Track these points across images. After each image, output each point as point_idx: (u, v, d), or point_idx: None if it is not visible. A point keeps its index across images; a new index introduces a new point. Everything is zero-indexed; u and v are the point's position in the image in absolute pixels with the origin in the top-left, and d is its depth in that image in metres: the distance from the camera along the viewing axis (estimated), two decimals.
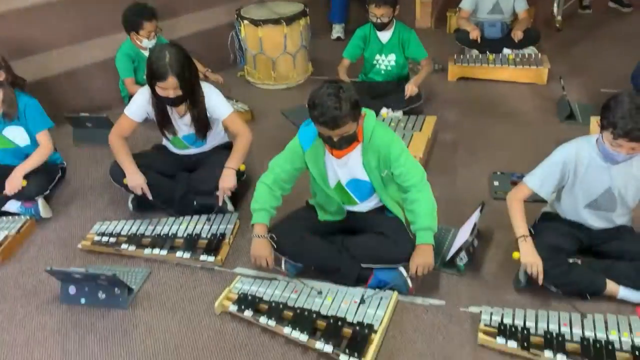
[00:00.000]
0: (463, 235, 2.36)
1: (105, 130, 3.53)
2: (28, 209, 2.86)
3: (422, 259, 2.12)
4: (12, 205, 2.87)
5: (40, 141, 2.89)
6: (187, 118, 2.73)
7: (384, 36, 3.60)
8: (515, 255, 2.12)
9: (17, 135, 2.90)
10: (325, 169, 2.27)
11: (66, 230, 2.80)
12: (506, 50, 4.25)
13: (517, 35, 4.20)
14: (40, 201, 2.87)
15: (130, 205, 2.85)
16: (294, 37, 4.10)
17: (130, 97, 3.83)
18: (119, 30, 4.32)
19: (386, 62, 3.67)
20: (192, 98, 2.65)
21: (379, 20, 3.49)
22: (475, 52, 4.31)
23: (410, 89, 3.48)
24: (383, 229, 2.27)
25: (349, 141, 2.10)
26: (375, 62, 3.68)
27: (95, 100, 4.02)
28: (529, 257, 2.08)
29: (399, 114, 3.46)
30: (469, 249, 2.34)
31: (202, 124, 2.75)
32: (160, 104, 2.65)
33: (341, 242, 2.32)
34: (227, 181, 2.63)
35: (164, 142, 2.98)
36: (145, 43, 3.65)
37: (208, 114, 2.74)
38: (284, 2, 4.31)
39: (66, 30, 4.12)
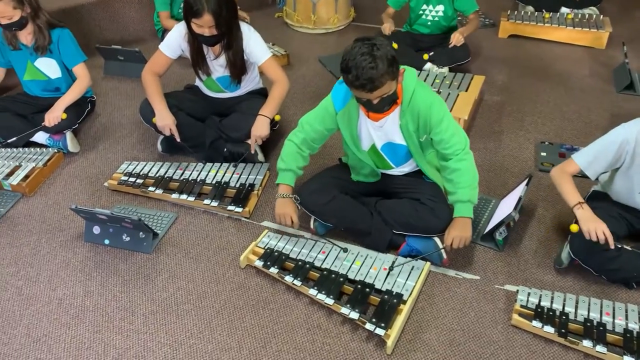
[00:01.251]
0: (505, 208, 2.23)
1: (137, 65, 3.45)
2: (56, 142, 2.81)
3: (460, 232, 2.00)
4: (40, 137, 2.82)
5: (78, 74, 2.82)
6: (223, 59, 2.59)
7: None
8: (574, 228, 1.95)
9: (48, 67, 2.82)
10: (358, 132, 2.13)
11: (93, 166, 2.75)
12: (564, 9, 3.96)
13: None
14: (69, 135, 2.81)
15: (159, 146, 2.77)
16: None
17: (165, 31, 3.72)
18: None
19: (433, 12, 3.42)
20: (228, 39, 2.50)
21: None
22: (530, 8, 4.03)
23: (457, 37, 3.24)
24: (420, 196, 2.14)
25: (389, 102, 1.93)
26: (421, 12, 3.44)
27: (128, 33, 3.90)
28: (590, 222, 1.90)
29: (444, 70, 3.25)
30: (509, 223, 2.21)
31: (238, 67, 2.61)
32: (195, 41, 2.51)
33: (374, 205, 2.21)
34: (260, 129, 2.52)
35: (197, 83, 2.86)
36: None
37: (245, 57, 2.60)
38: None
39: None
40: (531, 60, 3.60)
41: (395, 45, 3.28)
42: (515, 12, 3.93)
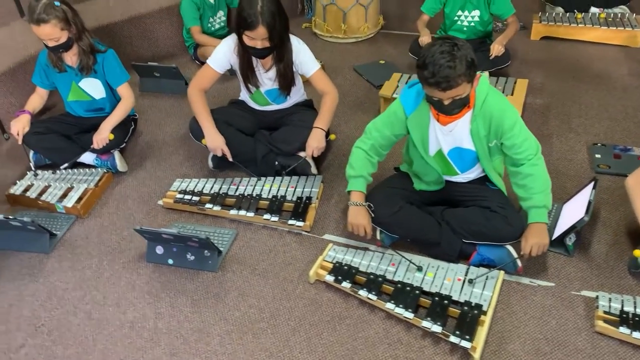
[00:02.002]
0: (571, 212, 2.21)
1: (173, 81, 3.45)
2: (104, 162, 2.79)
3: (538, 239, 1.97)
4: (88, 157, 2.80)
5: (122, 94, 2.80)
6: (272, 72, 2.58)
7: None
8: (638, 253, 1.95)
9: (93, 87, 2.80)
10: (428, 136, 2.12)
11: (144, 185, 2.73)
12: (594, 9, 3.95)
13: None
14: (117, 154, 2.79)
15: (210, 162, 2.74)
16: None
17: (197, 47, 3.72)
18: None
19: (469, 18, 3.41)
20: (279, 51, 2.49)
21: None
22: (560, 9, 4.02)
23: (497, 48, 3.24)
24: (489, 204, 2.12)
25: (460, 105, 1.92)
26: (456, 18, 3.43)
27: (159, 49, 3.90)
28: None
29: (485, 74, 3.23)
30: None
31: (287, 79, 2.60)
32: (245, 54, 2.50)
33: (441, 214, 2.19)
34: (317, 141, 2.51)
35: (242, 97, 2.85)
36: None
37: (294, 69, 2.59)
38: None
39: None
40: (567, 61, 3.58)
41: None
42: (547, 14, 3.92)
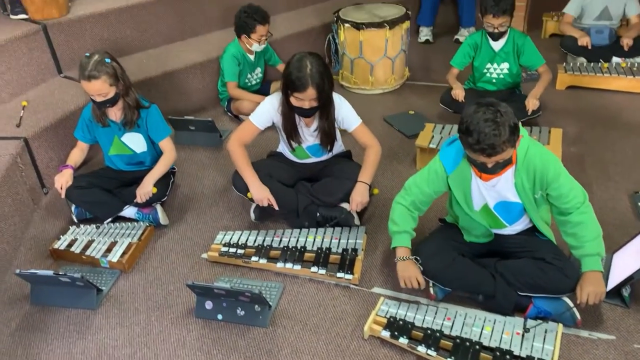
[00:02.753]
0: (626, 262, 2.19)
1: (208, 134, 3.50)
2: (146, 215, 2.80)
3: (593, 287, 1.95)
4: (129, 211, 2.82)
5: (164, 148, 2.84)
6: (315, 129, 2.63)
7: (497, 44, 3.42)
8: None
9: (135, 141, 2.84)
10: (470, 192, 2.13)
11: (185, 238, 2.73)
12: (615, 59, 4.03)
13: (627, 42, 3.96)
14: (159, 208, 2.81)
15: (252, 214, 2.75)
16: (395, 41, 3.96)
17: (230, 100, 3.79)
18: (213, 30, 4.31)
19: (498, 70, 3.48)
20: (324, 110, 2.54)
21: (496, 30, 3.31)
22: (582, 59, 4.10)
23: (532, 103, 3.28)
24: (543, 255, 2.10)
25: (503, 166, 1.95)
26: (485, 70, 3.51)
27: (191, 102, 3.97)
28: None
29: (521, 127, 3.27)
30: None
31: (329, 136, 2.66)
32: (291, 113, 2.55)
33: (494, 267, 2.17)
34: (361, 195, 2.53)
35: (280, 149, 2.89)
36: (255, 47, 3.59)
37: (336, 125, 2.64)
38: (383, 5, 4.18)
39: (161, 30, 4.08)
40: (596, 110, 3.63)
41: None
42: (571, 64, 4.00)
